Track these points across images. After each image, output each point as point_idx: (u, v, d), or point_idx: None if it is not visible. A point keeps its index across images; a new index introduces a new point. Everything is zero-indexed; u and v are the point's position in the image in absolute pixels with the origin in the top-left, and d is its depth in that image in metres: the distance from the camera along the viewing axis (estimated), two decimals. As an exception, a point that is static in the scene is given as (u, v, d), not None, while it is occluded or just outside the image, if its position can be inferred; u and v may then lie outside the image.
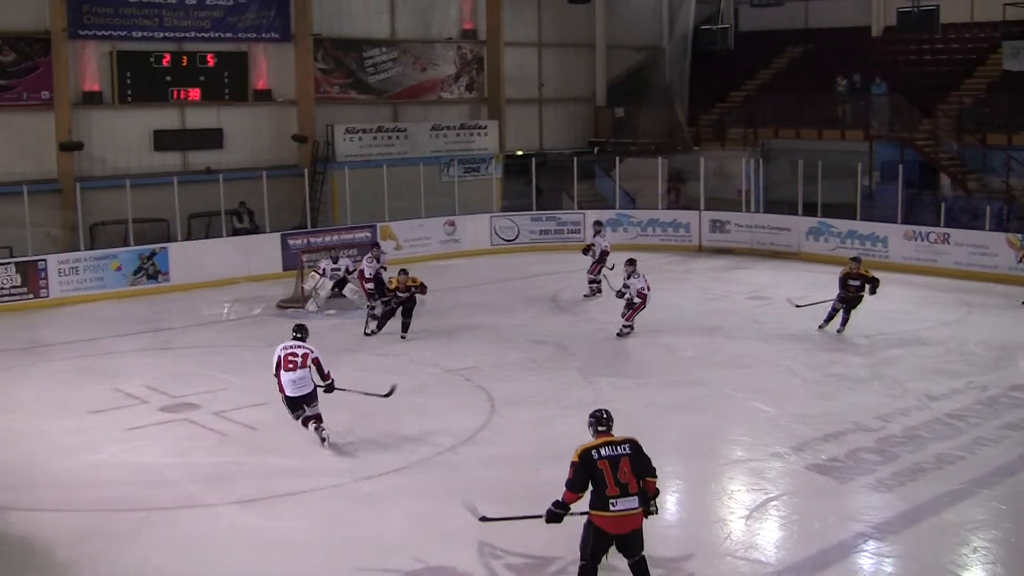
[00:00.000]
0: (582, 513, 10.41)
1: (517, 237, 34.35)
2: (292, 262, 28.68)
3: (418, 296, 22.72)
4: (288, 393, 15.49)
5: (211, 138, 33.36)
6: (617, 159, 36.28)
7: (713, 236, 33.35)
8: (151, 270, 28.61)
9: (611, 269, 26.01)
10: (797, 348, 21.17)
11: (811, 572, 11.58)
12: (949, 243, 29.01)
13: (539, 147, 40.67)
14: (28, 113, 30.21)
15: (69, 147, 30.41)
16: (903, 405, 17.36)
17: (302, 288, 25.94)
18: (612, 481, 10.13)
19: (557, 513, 10.51)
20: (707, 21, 42.22)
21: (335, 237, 30.44)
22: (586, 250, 26.95)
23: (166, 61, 32.44)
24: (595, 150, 40.86)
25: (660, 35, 42.80)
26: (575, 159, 35.63)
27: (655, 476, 10.55)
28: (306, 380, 15.50)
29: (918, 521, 12.95)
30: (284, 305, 26.01)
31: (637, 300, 21.85)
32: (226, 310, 26.41)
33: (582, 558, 10.41)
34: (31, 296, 26.72)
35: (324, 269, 25.35)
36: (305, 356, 15.54)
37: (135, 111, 32.05)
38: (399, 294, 22.44)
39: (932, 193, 33.43)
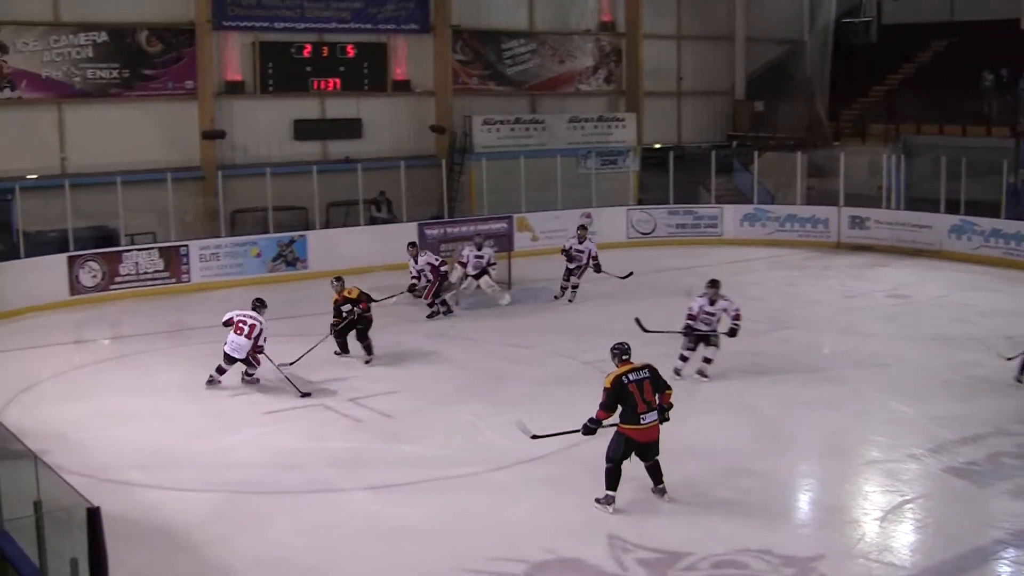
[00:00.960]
0: (611, 425, 12.62)
1: (654, 230, 34.09)
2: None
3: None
4: (226, 350, 18.11)
5: (350, 128, 33.70)
6: (756, 153, 35.84)
7: (852, 233, 32.66)
8: (290, 257, 28.99)
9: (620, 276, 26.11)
10: (937, 348, 20.62)
11: (946, 578, 11.28)
12: (1099, 243, 28.13)
13: (677, 140, 40.35)
14: (173, 102, 30.83)
15: (212, 135, 30.93)
16: (1048, 409, 16.83)
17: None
18: (640, 400, 12.47)
19: (591, 428, 12.74)
20: (849, 14, 41.55)
21: (472, 228, 30.46)
22: (565, 253, 26.13)
23: (307, 52, 32.89)
24: (733, 144, 40.44)
25: (801, 28, 41.99)
26: (713, 153, 35.23)
27: (670, 389, 12.99)
28: (243, 348, 18.03)
29: (1061, 530, 12.53)
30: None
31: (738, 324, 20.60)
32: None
33: (609, 461, 12.61)
34: (173, 281, 27.23)
35: (467, 256, 25.29)
36: (252, 327, 18.08)
37: (276, 101, 32.53)
38: (341, 310, 20.30)
39: (1081, 192, 32.43)
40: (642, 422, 12.52)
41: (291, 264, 29.02)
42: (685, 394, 17.61)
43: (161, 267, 27.19)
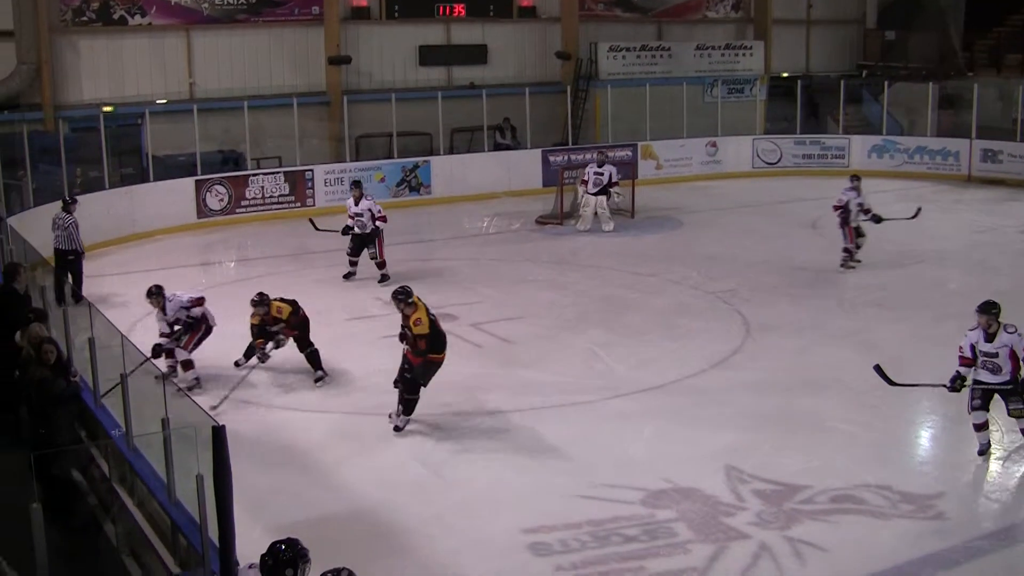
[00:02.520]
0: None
1: (779, 160, 33.61)
2: (552, 178, 28.76)
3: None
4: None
5: (475, 54, 33.61)
6: (886, 83, 35.03)
7: (984, 166, 31.78)
8: (414, 182, 29.12)
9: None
10: (1073, 284, 20.08)
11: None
12: None
13: (805, 69, 39.58)
14: (299, 28, 30.98)
15: (337, 61, 31.06)
16: None
17: (561, 204, 25.95)
18: None
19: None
20: (986, -61, 40.32)
21: (596, 155, 30.28)
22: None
23: (433, -23, 32.79)
24: (863, 74, 39.57)
25: (936, -46, 40.99)
26: (842, 82, 34.55)
27: None
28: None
29: None
30: (543, 221, 26.10)
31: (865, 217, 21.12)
32: (486, 224, 26.70)
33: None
34: (298, 204, 27.53)
35: (588, 173, 25.20)
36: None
37: (401, 26, 32.52)
38: (269, 331, 15.35)
39: None
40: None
41: (415, 190, 29.16)
42: (809, 327, 17.44)
43: (286, 191, 27.50)
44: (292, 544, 7.17)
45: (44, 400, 10.69)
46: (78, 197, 21.04)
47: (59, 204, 19.95)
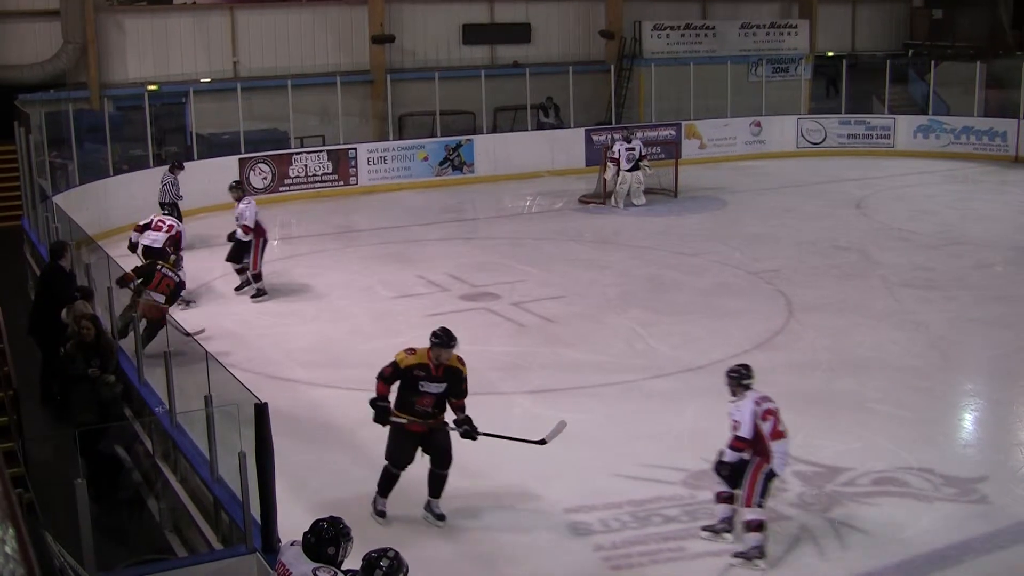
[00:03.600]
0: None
1: (824, 140, 33.38)
2: (595, 157, 28.68)
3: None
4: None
5: (519, 32, 33.55)
6: (932, 63, 34.70)
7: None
8: (457, 161, 29.13)
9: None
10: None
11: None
12: None
13: (851, 48, 39.27)
14: (344, 6, 31.04)
15: (381, 40, 31.08)
16: None
17: (604, 183, 25.92)
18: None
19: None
20: (1039, -85, 39.84)
21: (640, 134, 30.22)
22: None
23: (477, -44, 32.75)
24: (910, 53, 39.24)
25: (986, -70, 40.55)
26: (888, 61, 34.27)
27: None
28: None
29: None
30: (586, 200, 26.08)
31: None
32: (529, 203, 26.71)
33: None
34: (341, 183, 27.60)
35: (618, 151, 25.25)
36: None
37: (445, 5, 32.54)
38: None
39: None
40: None
41: (458, 168, 29.16)
42: (853, 308, 17.36)
43: (329, 169, 27.56)
44: (335, 522, 7.20)
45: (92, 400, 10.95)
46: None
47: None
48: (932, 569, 9.51)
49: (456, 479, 11.28)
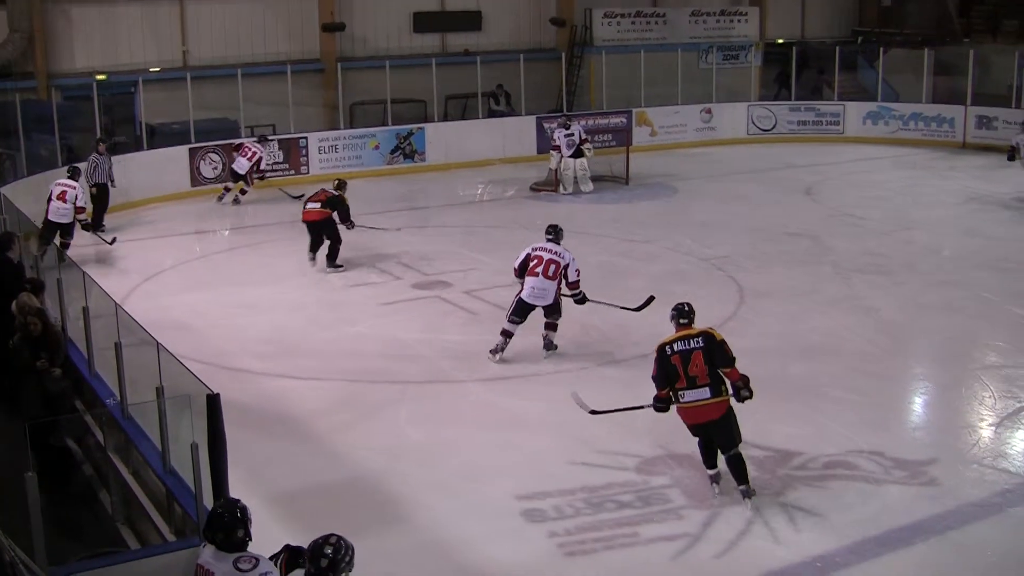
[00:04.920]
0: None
1: (774, 127, 33.55)
2: (547, 145, 28.68)
3: None
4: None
5: (470, 20, 33.57)
6: (881, 50, 34.91)
7: (979, 133, 31.62)
8: (408, 150, 29.09)
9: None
10: (1065, 252, 20.11)
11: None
12: None
13: (800, 35, 39.47)
14: (294, -6, 30.93)
15: (332, 28, 30.99)
16: None
17: (555, 172, 25.96)
18: (682, 374, 10.37)
19: (660, 407, 10.74)
20: (984, -99, 40.12)
21: (591, 122, 30.29)
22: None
23: (427, -58, 32.67)
24: (859, 40, 39.47)
25: (933, -83, 40.79)
26: (837, 49, 34.45)
27: (733, 364, 10.45)
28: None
29: None
30: (537, 188, 26.12)
31: None
32: (480, 191, 26.72)
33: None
34: (292, 172, 27.50)
35: (558, 138, 25.39)
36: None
37: (396, -7, 32.46)
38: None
39: None
40: (681, 400, 10.50)
41: (409, 157, 29.12)
42: (804, 294, 17.47)
43: (280, 159, 27.44)
44: (231, 505, 7.11)
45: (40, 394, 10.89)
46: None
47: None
48: (884, 551, 9.58)
49: (408, 466, 11.32)
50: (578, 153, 25.31)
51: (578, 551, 9.69)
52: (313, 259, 19.23)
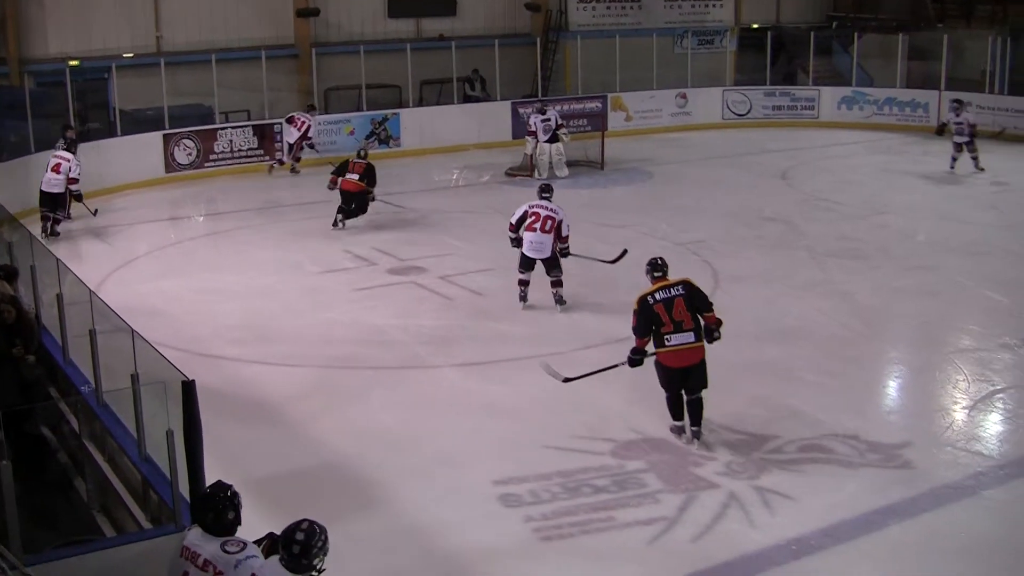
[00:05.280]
0: (653, 354, 11.28)
1: (749, 112, 33.59)
2: (522, 131, 28.67)
3: None
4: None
5: (444, 5, 33.50)
6: (856, 35, 34.97)
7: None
8: (383, 135, 29.05)
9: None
10: (1037, 236, 20.20)
11: (1036, 467, 11.13)
12: None
13: (776, 20, 39.44)
14: (267, -21, 30.79)
15: (306, 13, 30.88)
16: None
17: (531, 157, 25.96)
18: (668, 319, 11.02)
19: (635, 358, 11.39)
20: None
21: (566, 107, 30.26)
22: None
23: (402, -74, 32.55)
24: (834, 25, 39.52)
25: (908, -99, 40.78)
26: (812, 34, 34.52)
27: (711, 309, 11.25)
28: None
29: None
30: (513, 173, 26.13)
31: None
32: (455, 176, 26.70)
33: (665, 391, 11.42)
34: (267, 158, 27.41)
35: (534, 124, 25.45)
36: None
37: (371, -23, 32.34)
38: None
39: None
40: (667, 344, 11.08)
41: (384, 142, 29.06)
42: (779, 278, 17.52)
43: (255, 145, 27.36)
44: (221, 487, 7.06)
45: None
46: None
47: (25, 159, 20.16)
48: (858, 534, 9.63)
49: (383, 452, 11.33)
50: (554, 138, 25.35)
51: (555, 535, 9.71)
52: (343, 225, 20.52)
